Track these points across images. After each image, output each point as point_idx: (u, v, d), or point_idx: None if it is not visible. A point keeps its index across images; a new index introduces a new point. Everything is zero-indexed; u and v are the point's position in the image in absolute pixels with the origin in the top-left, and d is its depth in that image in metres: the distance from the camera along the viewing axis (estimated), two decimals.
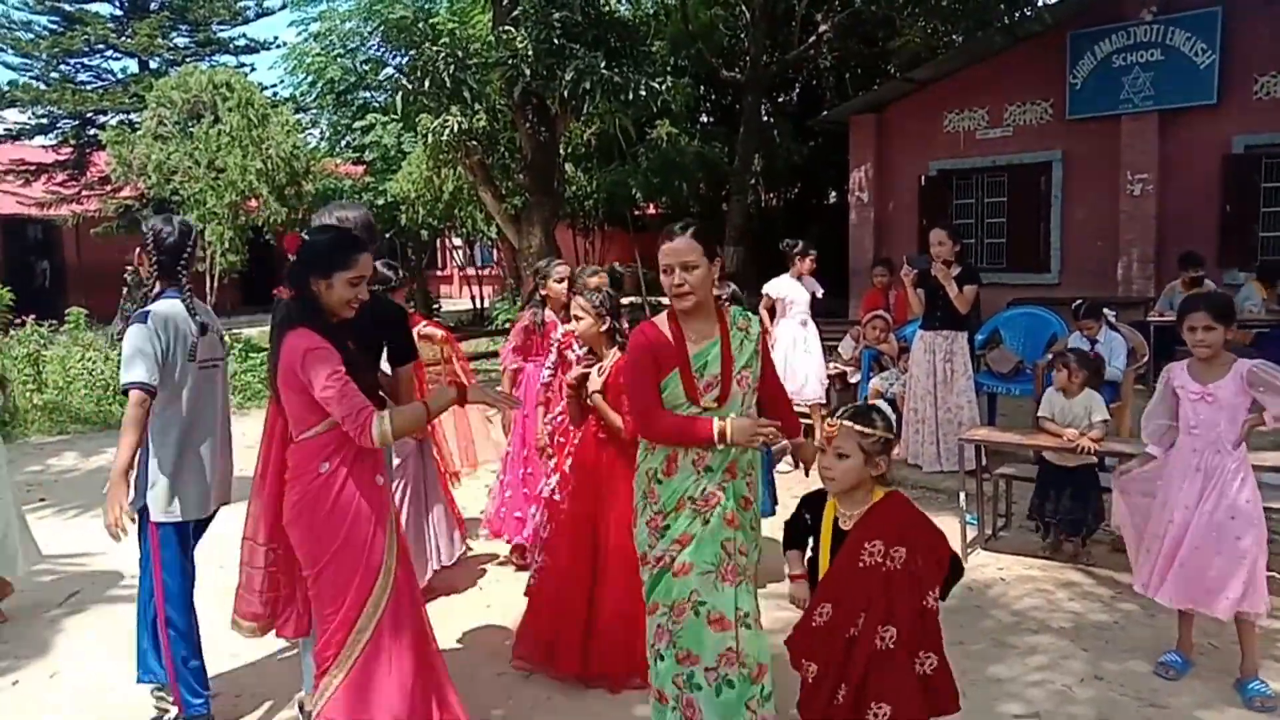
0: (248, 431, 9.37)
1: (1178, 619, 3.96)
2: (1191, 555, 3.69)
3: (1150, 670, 3.90)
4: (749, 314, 3.15)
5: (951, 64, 14.01)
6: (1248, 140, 11.57)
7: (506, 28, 10.12)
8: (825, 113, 16.31)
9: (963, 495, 5.47)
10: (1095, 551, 5.31)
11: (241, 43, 23.74)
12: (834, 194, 21.04)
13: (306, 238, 3.07)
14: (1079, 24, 12.59)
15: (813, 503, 2.76)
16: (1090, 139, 12.74)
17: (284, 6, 21.77)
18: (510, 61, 9.92)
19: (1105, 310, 6.84)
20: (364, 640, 2.92)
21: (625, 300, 19.25)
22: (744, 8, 15.53)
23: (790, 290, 7.70)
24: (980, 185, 14.14)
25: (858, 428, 2.56)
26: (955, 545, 2.66)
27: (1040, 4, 12.80)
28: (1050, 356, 6.08)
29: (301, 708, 3.55)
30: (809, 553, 2.78)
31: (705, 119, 19.50)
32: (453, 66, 10.55)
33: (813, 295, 7.78)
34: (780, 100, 20.11)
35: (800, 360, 7.49)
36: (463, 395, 3.06)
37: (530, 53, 9.75)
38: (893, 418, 2.67)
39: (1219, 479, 3.68)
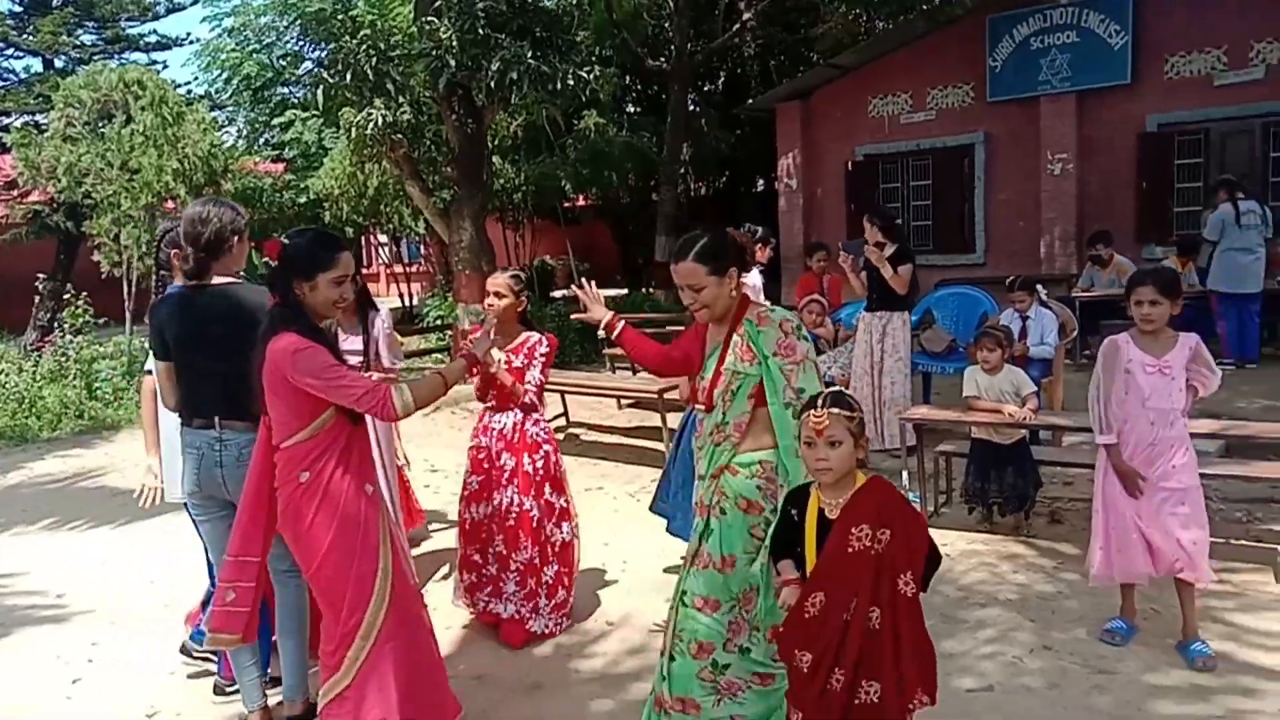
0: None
1: (1120, 587, 4.03)
2: (1168, 531, 3.77)
3: (1096, 638, 3.97)
4: (775, 316, 3.02)
5: (874, 50, 14.17)
6: (1160, 119, 11.91)
7: (429, 18, 9.92)
8: (751, 101, 16.37)
9: (905, 474, 5.51)
10: (1035, 524, 5.40)
11: (152, 39, 22.89)
12: (762, 181, 21.18)
13: (286, 242, 3.03)
14: (997, 8, 12.83)
15: (796, 499, 2.73)
16: (1011, 121, 13.00)
17: (195, 2, 21.10)
18: (434, 53, 9.74)
19: (1037, 286, 6.95)
20: (368, 647, 2.95)
21: (559, 293, 19.19)
22: None
23: (754, 280, 7.41)
24: (906, 169, 14.33)
25: (844, 413, 2.56)
26: None
27: None
28: (980, 333, 6.17)
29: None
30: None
31: (632, 109, 19.46)
32: (375, 59, 10.32)
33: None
34: (706, 89, 20.17)
35: None
36: (472, 363, 3.24)
37: (454, 43, 9.58)
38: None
39: (1165, 449, 3.77)
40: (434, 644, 3.24)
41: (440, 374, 3.12)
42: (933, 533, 5.30)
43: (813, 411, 2.58)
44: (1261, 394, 7.81)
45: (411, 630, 3.08)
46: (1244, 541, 5.00)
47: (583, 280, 3.46)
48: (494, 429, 4.23)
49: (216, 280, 3.34)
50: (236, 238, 3.36)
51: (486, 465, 4.22)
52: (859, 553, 2.51)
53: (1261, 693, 3.47)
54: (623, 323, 3.28)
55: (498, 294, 4.20)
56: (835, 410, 2.55)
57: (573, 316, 3.53)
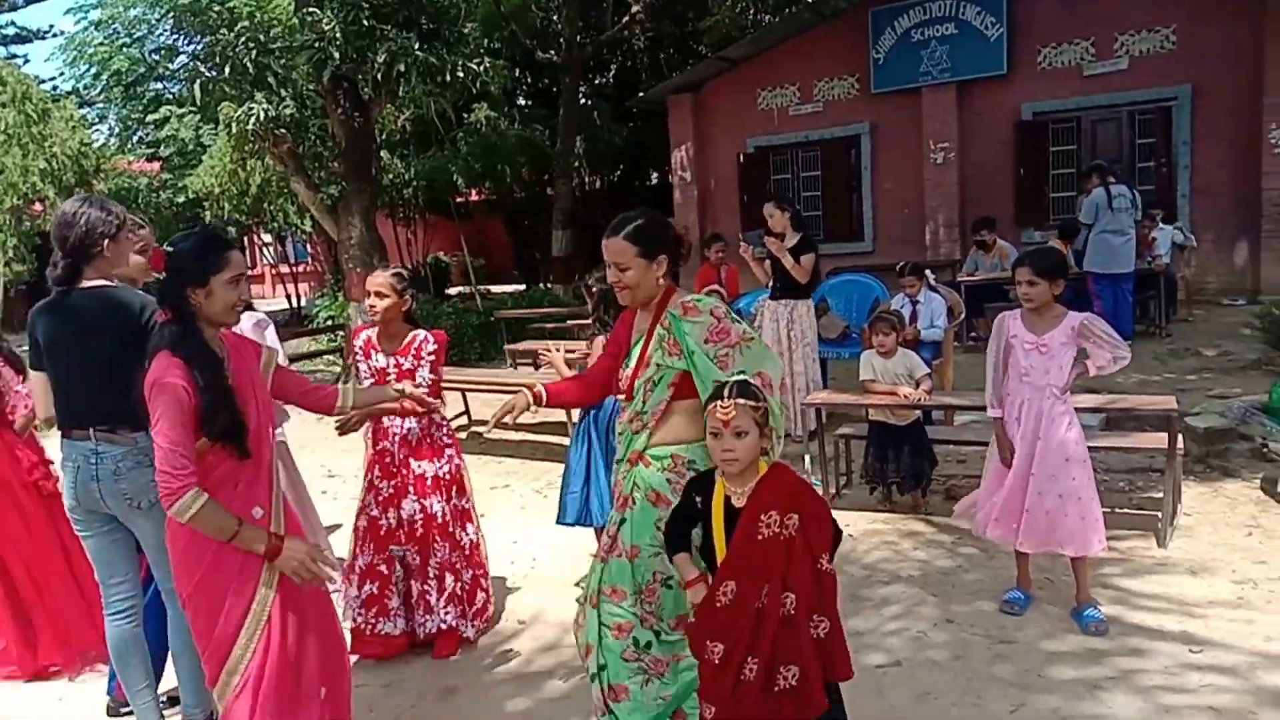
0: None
1: (1015, 558, 4.17)
2: (1036, 502, 3.91)
3: (996, 609, 4.10)
4: (703, 305, 2.94)
5: (762, 42, 14.37)
6: (1035, 107, 12.41)
7: (311, 9, 9.63)
8: (642, 94, 16.41)
9: (806, 458, 5.59)
10: (932, 501, 5.55)
11: (11, 32, 21.75)
12: (655, 174, 21.26)
13: (170, 249, 2.79)
14: (880, 1, 13.13)
15: (700, 486, 2.72)
16: (895, 111, 13.35)
17: None
18: (317, 45, 9.46)
19: (926, 271, 7.14)
20: (234, 682, 2.69)
21: (454, 290, 18.89)
22: None
23: None
24: (795, 160, 14.59)
25: (750, 403, 2.54)
26: None
27: None
28: (872, 318, 6.30)
29: None
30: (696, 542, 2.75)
31: (524, 102, 19.30)
32: (254, 51, 9.98)
33: None
34: (598, 82, 20.14)
35: None
36: (273, 553, 2.74)
37: (338, 35, 9.32)
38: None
39: (1048, 423, 3.92)
40: (340, 681, 2.98)
41: (236, 531, 2.64)
42: (835, 514, 5.41)
43: (719, 402, 2.56)
44: (1136, 369, 8.18)
45: (294, 665, 2.79)
46: (1127, 510, 5.24)
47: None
48: (395, 433, 4.04)
49: (88, 283, 3.16)
50: (107, 240, 3.16)
51: (394, 470, 4.04)
52: (769, 539, 2.51)
53: (1151, 653, 3.64)
54: (540, 387, 3.19)
55: (379, 294, 3.99)
56: (741, 400, 2.54)
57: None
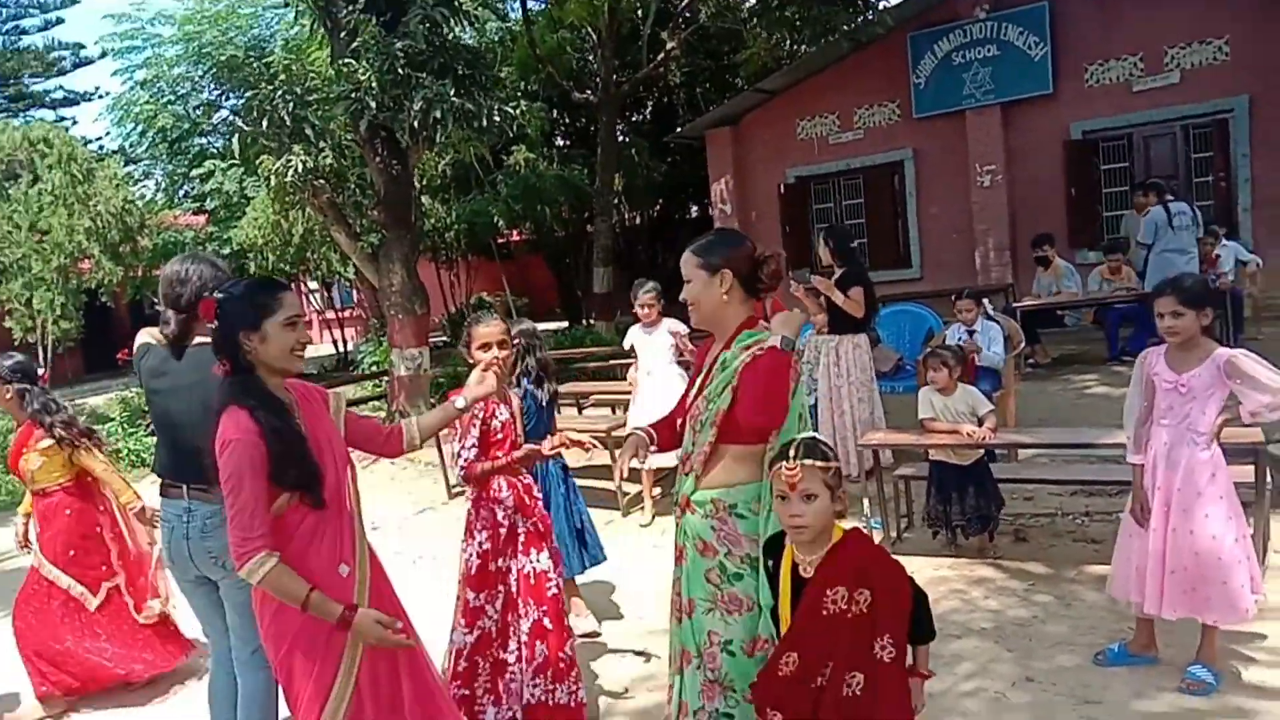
0: None
1: (1139, 620, 3.77)
2: (1181, 564, 3.48)
3: (1077, 664, 3.81)
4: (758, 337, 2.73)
5: (799, 72, 14.22)
6: (1084, 126, 12.10)
7: (347, 60, 9.64)
8: (680, 129, 16.34)
9: (865, 501, 5.34)
10: (1000, 544, 5.26)
11: (59, 95, 22.35)
12: (695, 208, 21.16)
13: (220, 295, 2.67)
14: (917, 25, 12.96)
15: (772, 549, 2.51)
16: (938, 135, 13.11)
17: (104, 55, 20.52)
18: (353, 95, 9.45)
19: (984, 300, 6.87)
20: None
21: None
22: (590, 30, 15.43)
23: (673, 327, 6.47)
24: (837, 188, 14.38)
25: (819, 464, 2.33)
26: None
27: (880, 7, 13.11)
28: (927, 352, 6.03)
29: None
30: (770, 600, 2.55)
31: (562, 142, 19.33)
32: (292, 104, 10.03)
33: (676, 335, 6.48)
34: (635, 119, 20.12)
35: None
36: (344, 626, 2.57)
37: (374, 84, 9.31)
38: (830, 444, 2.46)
39: (1186, 474, 3.48)
40: None
41: (308, 597, 2.49)
42: (897, 559, 5.16)
43: (784, 463, 2.35)
44: None
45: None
46: None
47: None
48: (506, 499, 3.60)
49: (198, 341, 3.14)
50: None
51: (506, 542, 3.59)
52: (834, 616, 2.31)
53: (1257, 714, 3.33)
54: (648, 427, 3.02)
55: (502, 344, 3.61)
56: (809, 461, 2.32)
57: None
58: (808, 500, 2.33)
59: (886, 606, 2.30)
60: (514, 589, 3.54)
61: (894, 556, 4.88)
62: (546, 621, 3.51)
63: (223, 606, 3.22)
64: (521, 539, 3.58)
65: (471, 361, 3.53)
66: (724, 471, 2.70)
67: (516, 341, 4.27)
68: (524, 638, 3.49)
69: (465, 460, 3.51)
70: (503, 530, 3.55)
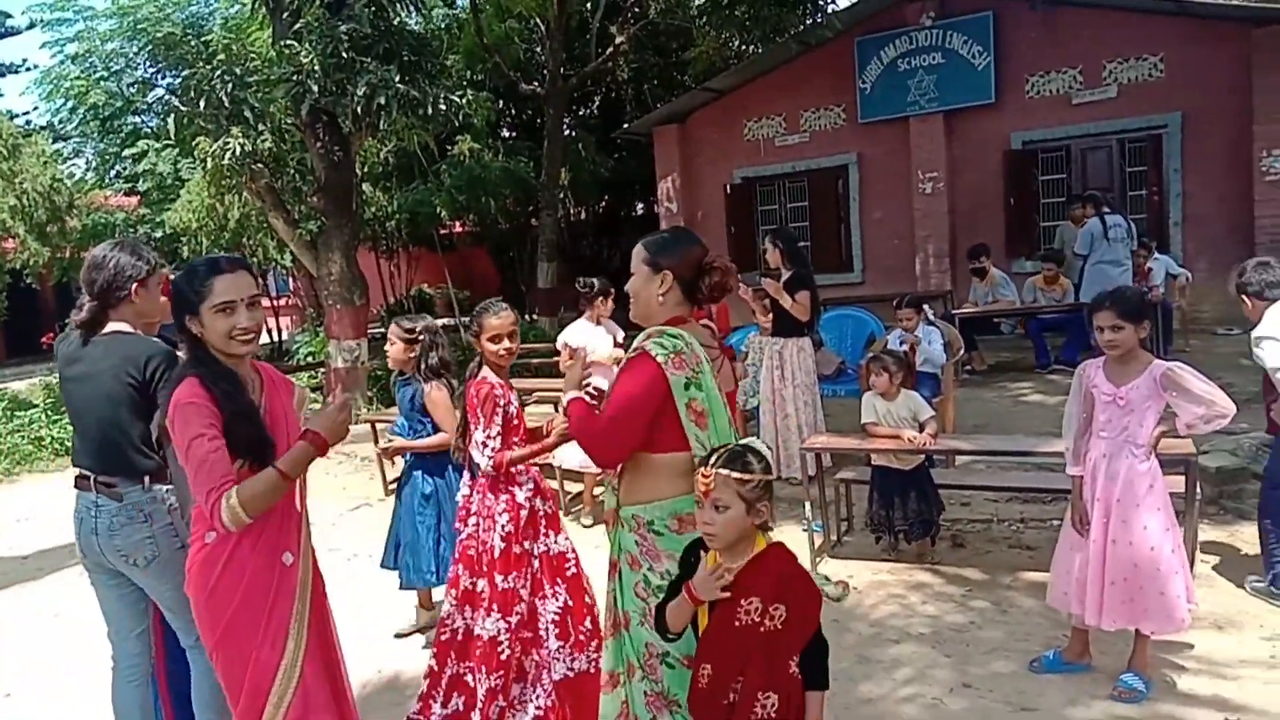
0: (19, 504, 8.31)
1: (1073, 630, 3.82)
2: (1120, 574, 3.51)
3: (1014, 670, 3.85)
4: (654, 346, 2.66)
5: (748, 73, 14.24)
6: (1024, 136, 12.31)
7: (289, 42, 9.41)
8: (627, 125, 16.28)
9: (807, 504, 5.35)
10: (939, 549, 5.31)
11: None
12: (641, 205, 21.11)
13: (172, 279, 2.71)
14: (864, 30, 13.05)
15: (695, 552, 2.45)
16: (882, 141, 13.23)
17: (32, 26, 19.80)
18: (295, 78, 9.23)
19: (925, 306, 6.94)
20: None
21: (440, 321, 18.65)
22: (538, 21, 15.28)
23: (589, 337, 6.35)
24: (783, 190, 14.45)
25: (735, 475, 2.26)
26: (804, 557, 2.43)
27: (829, 10, 13.17)
28: (870, 357, 6.07)
29: None
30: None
31: (508, 134, 19.12)
32: (231, 85, 9.75)
33: (614, 340, 6.53)
34: (582, 114, 20.00)
35: None
36: (321, 445, 2.56)
37: (317, 67, 9.09)
38: (770, 456, 2.40)
39: (1125, 486, 3.52)
40: None
41: (276, 467, 2.50)
42: (837, 564, 5.18)
43: (702, 469, 2.31)
44: None
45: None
46: None
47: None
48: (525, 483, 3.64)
49: (111, 328, 3.09)
50: (135, 284, 3.09)
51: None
52: (746, 627, 2.26)
53: None
54: None
55: (512, 334, 3.68)
56: (724, 471, 2.27)
57: None
58: (718, 509, 2.27)
59: (798, 626, 2.25)
60: (538, 571, 3.55)
61: (833, 560, 4.91)
62: (570, 600, 3.55)
63: (130, 605, 3.16)
64: (542, 522, 3.61)
65: (480, 351, 3.64)
66: (640, 485, 2.64)
67: (420, 338, 4.48)
68: (553, 618, 3.52)
69: (493, 450, 3.49)
70: (524, 513, 3.55)
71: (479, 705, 3.42)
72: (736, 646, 2.27)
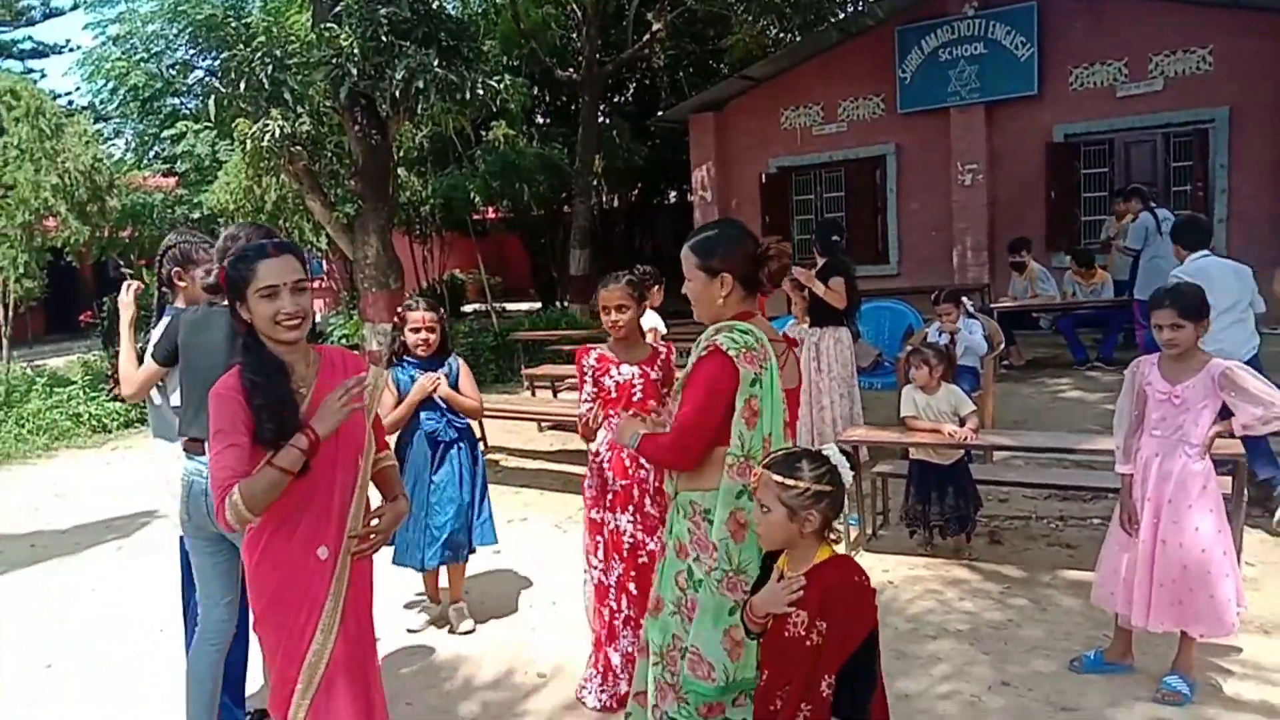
0: (57, 480, 8.43)
1: (1117, 629, 3.75)
2: (1170, 576, 3.45)
3: (1054, 670, 3.79)
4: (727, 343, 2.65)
5: (785, 61, 14.14)
6: (1067, 128, 12.13)
7: (329, 25, 9.43)
8: (662, 112, 16.21)
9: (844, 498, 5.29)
10: (976, 545, 5.24)
11: (28, 46, 21.75)
12: (674, 193, 21.04)
13: (225, 264, 2.62)
14: (905, 19, 12.90)
15: (773, 554, 2.43)
16: (921, 131, 13.08)
17: (75, 7, 20.00)
18: (335, 61, 9.25)
19: (964, 299, 6.85)
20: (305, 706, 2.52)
21: (470, 308, 18.66)
22: (575, 6, 15.24)
23: (651, 320, 6.20)
24: (819, 180, 14.34)
25: (776, 478, 2.23)
26: (839, 550, 2.37)
27: None
28: (909, 350, 5.99)
29: None
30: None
31: (543, 120, 19.12)
32: (270, 67, 9.78)
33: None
34: (617, 101, 19.95)
35: None
36: (312, 438, 2.46)
37: (356, 51, 9.11)
38: (839, 464, 2.30)
39: (1177, 486, 3.45)
40: None
41: (271, 463, 2.41)
42: (873, 558, 5.13)
43: (757, 465, 2.32)
44: None
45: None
46: None
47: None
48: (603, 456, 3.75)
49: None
50: None
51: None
52: (794, 639, 2.24)
53: None
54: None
55: (620, 307, 3.67)
56: (765, 471, 2.26)
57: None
58: (763, 510, 2.27)
59: (835, 647, 2.20)
60: (607, 542, 3.69)
61: (868, 554, 4.85)
62: (624, 578, 3.65)
63: (228, 575, 3.24)
64: (610, 497, 3.68)
65: (598, 321, 3.81)
66: (700, 472, 2.61)
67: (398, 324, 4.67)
68: (615, 589, 3.67)
69: (580, 411, 3.75)
70: (598, 483, 3.72)
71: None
72: (784, 656, 2.27)
